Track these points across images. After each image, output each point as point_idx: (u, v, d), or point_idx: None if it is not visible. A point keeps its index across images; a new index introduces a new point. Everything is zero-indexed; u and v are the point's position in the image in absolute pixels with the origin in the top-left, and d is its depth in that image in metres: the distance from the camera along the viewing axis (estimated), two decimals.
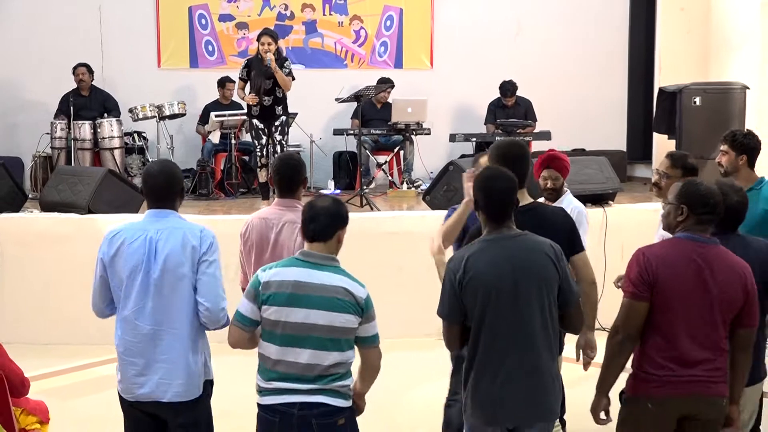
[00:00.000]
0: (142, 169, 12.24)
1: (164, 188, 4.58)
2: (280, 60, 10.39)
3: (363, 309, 4.25)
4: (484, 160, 5.83)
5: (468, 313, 4.21)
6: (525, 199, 4.84)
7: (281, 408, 4.25)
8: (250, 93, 10.50)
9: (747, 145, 6.18)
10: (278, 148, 10.48)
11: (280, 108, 10.50)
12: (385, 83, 12.64)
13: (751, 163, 6.20)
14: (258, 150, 10.66)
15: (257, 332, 4.35)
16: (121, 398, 4.63)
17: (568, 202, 6.52)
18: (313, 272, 4.26)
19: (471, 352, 4.26)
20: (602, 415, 4.45)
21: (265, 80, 10.34)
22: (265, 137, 10.57)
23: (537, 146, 12.50)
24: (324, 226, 4.32)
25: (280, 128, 10.55)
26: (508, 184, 4.30)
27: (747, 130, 6.41)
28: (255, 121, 10.56)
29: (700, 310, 4.25)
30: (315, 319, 4.20)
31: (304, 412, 4.21)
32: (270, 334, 4.29)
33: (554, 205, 6.45)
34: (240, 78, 10.70)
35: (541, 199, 6.69)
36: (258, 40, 10.48)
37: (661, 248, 4.35)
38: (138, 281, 4.45)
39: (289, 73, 10.41)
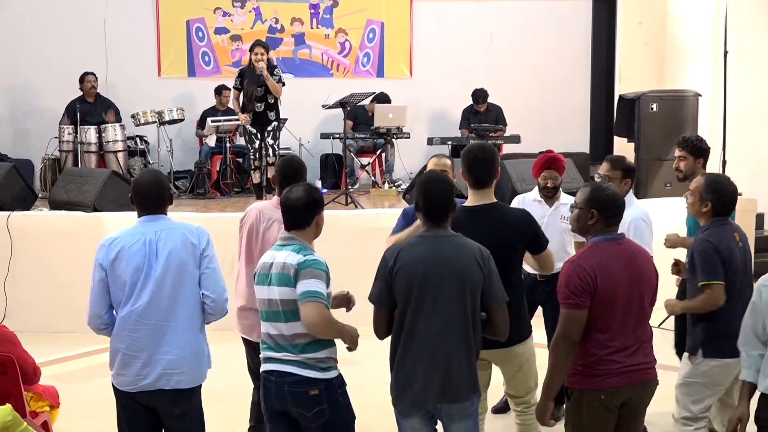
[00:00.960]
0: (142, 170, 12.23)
1: (156, 196, 4.57)
2: (271, 68, 10.37)
3: (294, 275, 4.16)
4: (434, 161, 5.86)
5: (396, 302, 4.20)
6: (489, 198, 4.81)
7: (264, 375, 4.31)
8: (242, 105, 10.49)
9: (703, 150, 6.18)
10: (270, 151, 10.46)
11: (272, 113, 10.48)
12: (382, 98, 12.61)
13: (705, 165, 6.21)
14: (251, 153, 10.65)
15: None
16: (116, 390, 4.56)
17: (568, 199, 6.52)
18: (275, 252, 4.30)
19: (394, 340, 4.25)
20: (549, 419, 4.42)
21: (257, 88, 10.32)
22: (258, 141, 10.55)
23: (507, 149, 12.53)
24: (302, 217, 4.33)
25: (272, 133, 10.54)
26: (444, 188, 4.28)
27: (697, 135, 6.41)
28: (248, 126, 10.55)
29: (634, 301, 4.27)
30: (271, 294, 4.24)
31: (279, 380, 4.23)
32: (260, 311, 4.38)
33: (556, 204, 6.51)
34: (234, 87, 10.69)
35: (534, 192, 6.67)
36: (251, 50, 10.46)
37: (592, 256, 4.28)
38: (140, 281, 4.40)
39: (279, 80, 10.39)
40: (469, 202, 4.80)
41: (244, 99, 10.49)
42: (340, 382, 4.33)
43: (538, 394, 4.97)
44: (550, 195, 6.53)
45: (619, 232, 4.42)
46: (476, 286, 4.17)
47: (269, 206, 5.49)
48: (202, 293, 4.47)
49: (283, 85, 10.47)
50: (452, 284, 4.13)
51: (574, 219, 4.44)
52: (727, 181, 5.08)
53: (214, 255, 4.52)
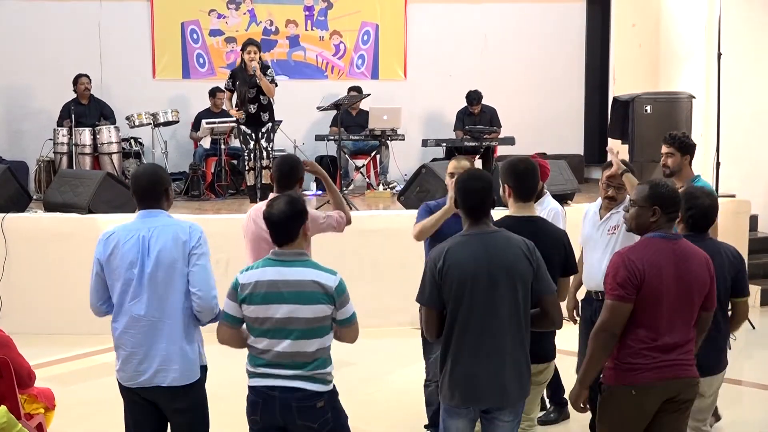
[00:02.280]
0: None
1: (150, 189, 4.55)
2: (263, 68, 10.31)
3: (334, 296, 4.20)
4: (452, 164, 5.86)
5: (445, 301, 4.19)
6: (531, 210, 4.81)
7: (264, 390, 4.25)
8: (236, 105, 10.45)
9: (691, 146, 6.22)
10: (264, 154, 10.44)
11: (266, 115, 10.43)
12: (357, 92, 12.65)
13: (691, 162, 6.24)
14: (246, 154, 10.61)
15: (243, 329, 4.34)
16: (121, 386, 4.60)
17: (547, 203, 6.43)
18: (284, 270, 4.22)
19: (446, 338, 4.24)
20: (582, 405, 4.43)
21: (249, 89, 10.26)
22: (252, 142, 10.51)
23: (502, 151, 12.55)
24: (287, 232, 4.27)
25: (266, 135, 10.50)
26: (484, 184, 4.29)
27: (683, 132, 6.42)
28: (243, 127, 10.51)
29: (680, 300, 4.26)
30: (291, 313, 4.17)
31: (285, 395, 4.20)
32: (255, 329, 4.28)
33: (537, 207, 6.36)
34: (226, 89, 10.63)
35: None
36: (243, 50, 10.38)
37: (643, 250, 4.29)
38: (134, 277, 4.42)
39: (272, 80, 10.33)
40: (516, 213, 4.78)
41: (237, 101, 10.45)
42: (335, 390, 4.37)
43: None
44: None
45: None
46: (527, 279, 4.19)
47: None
48: (190, 290, 4.44)
49: (276, 85, 10.42)
50: (503, 280, 4.15)
51: (634, 217, 4.43)
52: (702, 193, 4.93)
53: (204, 253, 4.46)
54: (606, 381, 4.37)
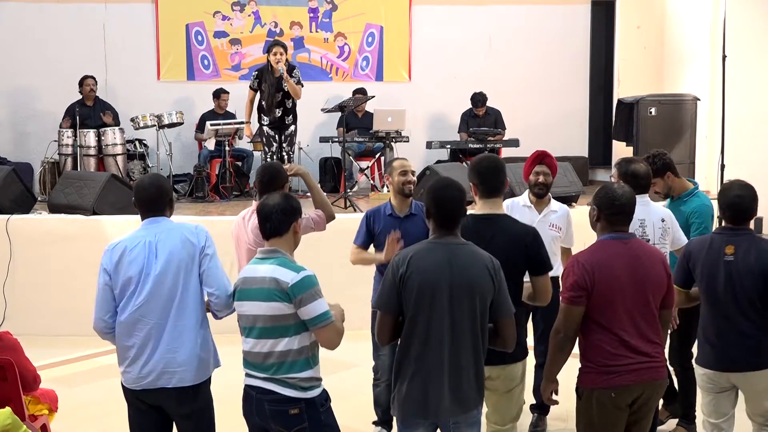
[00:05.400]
0: (143, 174, 12.22)
1: (155, 199, 4.59)
2: (290, 69, 10.30)
3: (291, 294, 4.06)
4: (400, 162, 6.04)
5: (404, 308, 4.10)
6: (498, 208, 4.74)
7: (247, 389, 4.27)
8: (265, 113, 10.46)
9: (664, 166, 6.00)
10: (286, 158, 10.41)
11: (290, 118, 10.43)
12: (362, 94, 12.66)
13: (676, 174, 6.08)
14: (268, 156, 10.59)
15: None
16: (125, 389, 4.59)
17: (558, 206, 6.31)
18: (256, 266, 4.22)
19: (402, 346, 4.16)
20: (553, 397, 4.55)
21: (276, 93, 10.23)
22: (275, 144, 10.50)
23: (506, 153, 12.52)
24: (278, 223, 4.23)
25: (289, 138, 10.49)
26: (457, 193, 4.19)
27: (648, 155, 6.12)
28: (266, 128, 10.49)
29: (635, 300, 4.30)
30: (254, 310, 4.17)
31: (260, 397, 4.19)
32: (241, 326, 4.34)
33: (545, 210, 6.25)
34: (251, 87, 10.61)
35: (524, 196, 6.38)
36: (269, 51, 10.36)
37: (592, 253, 4.36)
38: (141, 282, 4.44)
39: (298, 81, 10.31)
40: (478, 210, 4.72)
41: (266, 102, 10.38)
42: (322, 400, 4.24)
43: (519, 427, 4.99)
44: (540, 193, 6.24)
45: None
46: (487, 295, 4.09)
47: (251, 211, 5.65)
48: (206, 291, 4.50)
49: (302, 86, 10.39)
50: (464, 293, 4.05)
51: (589, 216, 4.54)
52: (734, 185, 4.92)
53: (214, 252, 4.53)
54: (583, 384, 4.39)
